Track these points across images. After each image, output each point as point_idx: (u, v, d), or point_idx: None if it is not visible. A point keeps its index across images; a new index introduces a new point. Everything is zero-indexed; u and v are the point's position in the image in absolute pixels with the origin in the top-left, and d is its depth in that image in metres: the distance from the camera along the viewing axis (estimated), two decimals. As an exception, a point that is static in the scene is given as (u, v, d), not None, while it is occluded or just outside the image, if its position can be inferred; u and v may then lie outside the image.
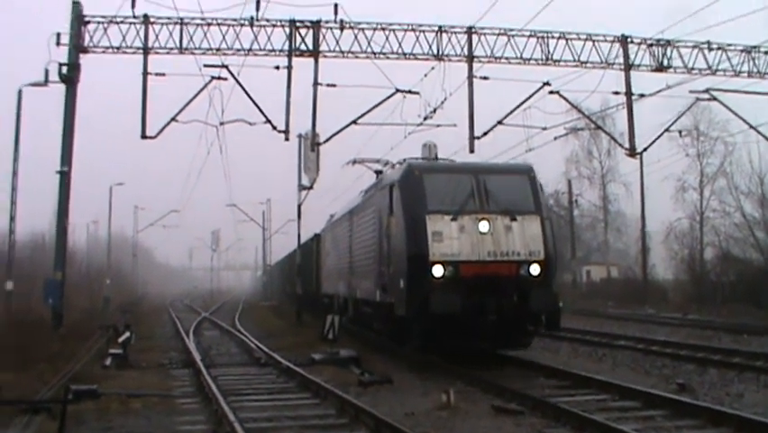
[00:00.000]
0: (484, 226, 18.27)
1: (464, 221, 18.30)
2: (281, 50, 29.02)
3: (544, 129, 31.85)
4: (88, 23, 28.57)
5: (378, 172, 27.13)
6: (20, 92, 32.21)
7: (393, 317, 19.28)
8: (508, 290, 18.07)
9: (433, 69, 29.28)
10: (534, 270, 18.29)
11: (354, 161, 29.19)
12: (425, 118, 29.47)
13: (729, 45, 31.56)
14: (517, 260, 18.26)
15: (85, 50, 28.59)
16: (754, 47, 31.64)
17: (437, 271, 17.84)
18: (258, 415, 13.22)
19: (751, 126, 33.84)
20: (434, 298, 17.35)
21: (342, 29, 29.24)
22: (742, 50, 31.73)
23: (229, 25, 28.74)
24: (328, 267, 34.60)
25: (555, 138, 33.70)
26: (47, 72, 28.25)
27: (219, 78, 28.32)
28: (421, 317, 17.68)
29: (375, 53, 29.37)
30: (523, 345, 19.53)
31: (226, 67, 28.31)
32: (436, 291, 17.54)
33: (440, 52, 29.77)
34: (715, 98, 32.80)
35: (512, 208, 18.69)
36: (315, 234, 40.24)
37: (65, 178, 28.20)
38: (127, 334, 23.07)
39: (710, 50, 31.29)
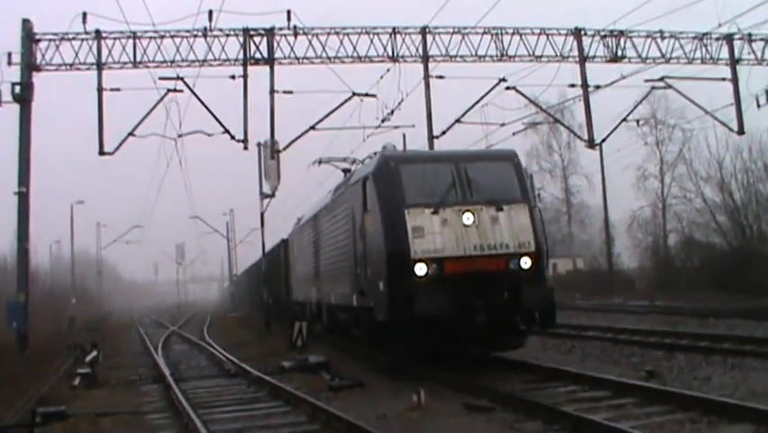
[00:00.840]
0: (468, 219, 16.86)
1: (446, 214, 16.87)
2: (236, 60, 29.01)
3: (503, 125, 32.12)
4: (39, 40, 28.40)
5: (345, 171, 25.86)
6: (-27, 113, 31.80)
7: (373, 322, 17.82)
8: (498, 286, 16.76)
9: (388, 70, 29.45)
10: (525, 263, 16.95)
11: (320, 161, 27.88)
12: (383, 120, 29.61)
13: (681, 33, 31.94)
14: (506, 253, 16.89)
15: (37, 69, 28.41)
16: (706, 34, 32.04)
17: (420, 269, 16.44)
18: (229, 426, 13.14)
19: (707, 112, 34.21)
20: (418, 300, 15.94)
21: (296, 35, 29.29)
22: (694, 38, 32.13)
23: (182, 37, 28.67)
24: (298, 273, 32.68)
25: (514, 133, 33.94)
26: (-1, 92, 27.97)
27: (175, 90, 28.27)
28: (404, 321, 16.25)
29: (330, 58, 29.46)
30: (515, 346, 18.17)
31: (182, 79, 28.28)
32: (420, 292, 16.10)
33: (395, 54, 29.92)
34: (670, 86, 33.10)
35: (497, 198, 17.27)
36: (283, 240, 39.19)
37: (23, 199, 27.97)
38: (94, 352, 22.89)
39: (663, 38, 31.70)
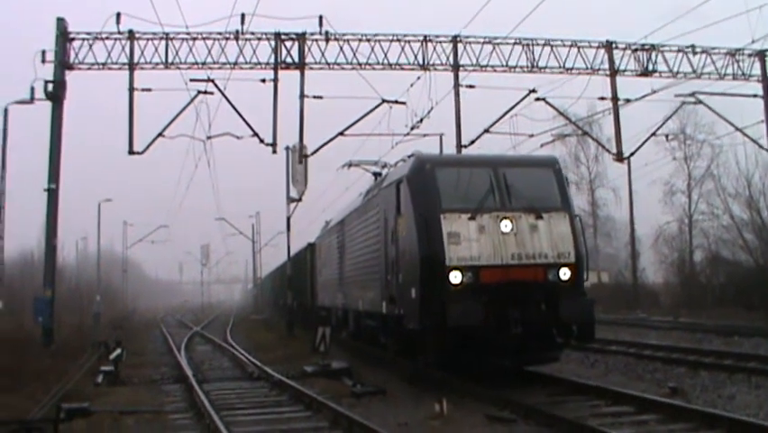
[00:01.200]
0: (506, 226, 16.23)
1: (484, 220, 16.22)
2: (267, 63, 29.15)
3: (531, 136, 32.05)
4: (73, 39, 28.65)
5: (376, 175, 25.42)
6: (6, 110, 32.23)
7: (403, 331, 17.35)
8: (535, 297, 16.06)
9: (419, 78, 29.49)
10: (564, 274, 16.28)
11: (350, 164, 27.45)
12: (412, 128, 29.66)
13: (713, 49, 31.82)
14: (545, 263, 16.24)
15: (70, 67, 28.65)
16: (738, 50, 31.88)
17: (455, 277, 15.78)
18: (251, 429, 13.19)
19: (737, 128, 33.99)
20: (452, 309, 15.23)
21: (327, 41, 29.40)
22: (726, 53, 31.99)
23: (214, 39, 28.86)
24: (324, 277, 31.82)
25: (542, 145, 33.78)
26: (33, 90, 28.31)
27: (205, 92, 28.44)
28: (436, 330, 15.59)
29: (361, 64, 29.54)
30: (550, 360, 17.39)
31: (212, 81, 28.43)
32: (454, 301, 15.40)
33: (425, 62, 29.96)
34: (700, 101, 32.95)
35: (537, 205, 16.63)
36: (309, 244, 38.79)
37: (53, 195, 28.19)
38: (118, 350, 22.98)
39: (695, 53, 31.58)
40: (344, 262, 25.58)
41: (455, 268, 15.84)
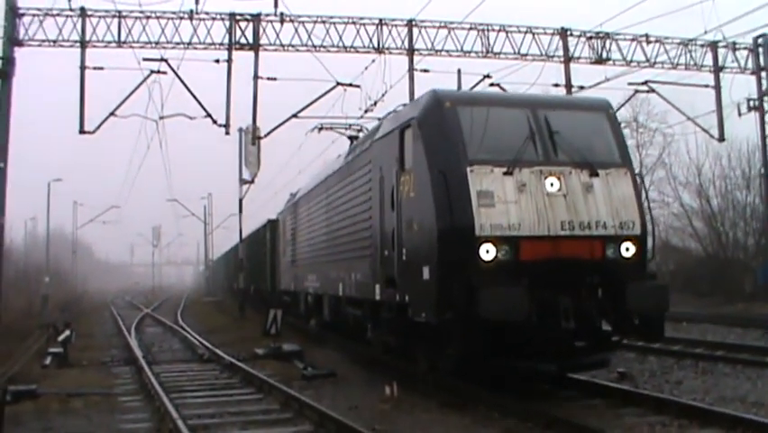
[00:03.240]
0: (553, 184, 12.62)
1: (524, 176, 12.55)
2: (221, 44, 28.96)
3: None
4: (23, 15, 28.23)
5: (352, 138, 22.45)
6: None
7: (406, 323, 13.68)
8: (591, 280, 12.58)
9: (373, 62, 29.42)
10: (627, 250, 12.71)
11: (321, 127, 24.83)
12: (366, 111, 29.53)
13: (666, 38, 32.10)
14: (603, 235, 12.60)
15: (20, 44, 28.22)
16: (691, 40, 32.22)
17: (487, 252, 12.08)
18: (201, 411, 13.09)
19: (688, 118, 34.37)
20: (485, 295, 11.54)
21: (282, 22, 29.26)
22: (679, 43, 32.30)
23: (168, 18, 28.59)
24: (290, 258, 27.51)
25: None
26: (-19, 66, 27.76)
27: (158, 71, 28.14)
28: (461, 325, 11.90)
29: (315, 47, 29.47)
30: (599, 365, 13.69)
31: (166, 60, 28.15)
32: (486, 285, 11.68)
33: (381, 45, 29.94)
34: (653, 90, 33.22)
35: (590, 159, 13.04)
36: (269, 221, 35.29)
37: (1, 174, 27.78)
38: (67, 332, 22.75)
39: (648, 42, 31.85)
40: (318, 237, 21.82)
41: (488, 240, 12.12)
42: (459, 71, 30.35)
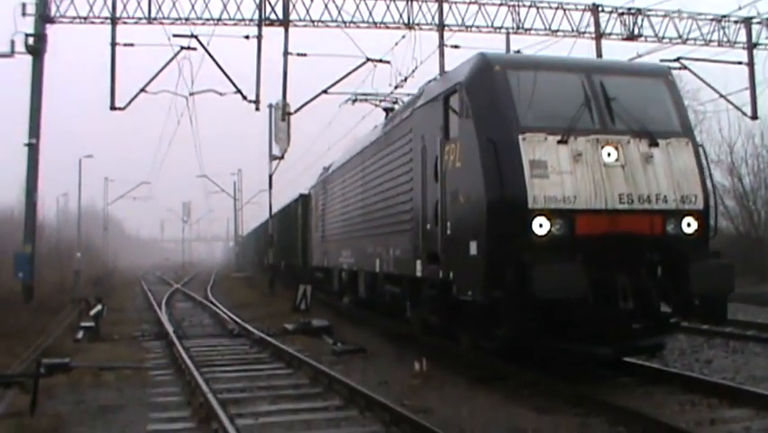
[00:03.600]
0: (610, 154, 12.01)
1: (579, 145, 11.95)
2: (251, 20, 28.84)
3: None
4: (54, -8, 28.23)
5: (387, 110, 21.99)
6: (-15, 63, 31.78)
7: (450, 302, 13.13)
8: (650, 258, 11.98)
9: (403, 37, 29.22)
10: (689, 226, 12.11)
11: (355, 98, 24.65)
12: (396, 87, 29.39)
13: (699, 14, 31.73)
14: (664, 209, 12.02)
15: (51, 21, 28.27)
16: (724, 16, 31.81)
17: (540, 226, 11.55)
18: (231, 385, 13.21)
19: (721, 95, 33.92)
20: (539, 273, 10.92)
21: (312, -3, 29.10)
22: (712, 20, 31.91)
23: (198, -6, 28.50)
24: (323, 233, 26.95)
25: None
26: (13, 43, 27.86)
27: (188, 48, 28.11)
28: (512, 305, 11.29)
29: (345, 22, 29.30)
30: (655, 349, 13.23)
31: (196, 37, 28.10)
32: (541, 261, 11.05)
33: (411, 21, 29.74)
34: (685, 67, 32.80)
35: (650, 128, 12.38)
36: (301, 195, 34.64)
37: (33, 150, 27.96)
38: (99, 307, 22.96)
39: (681, 18, 31.46)
40: (354, 211, 21.20)
41: (541, 213, 11.57)
42: (507, 35, 30.14)
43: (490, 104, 12.36)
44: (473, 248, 12.05)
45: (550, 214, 11.57)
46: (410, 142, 15.50)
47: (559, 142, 11.90)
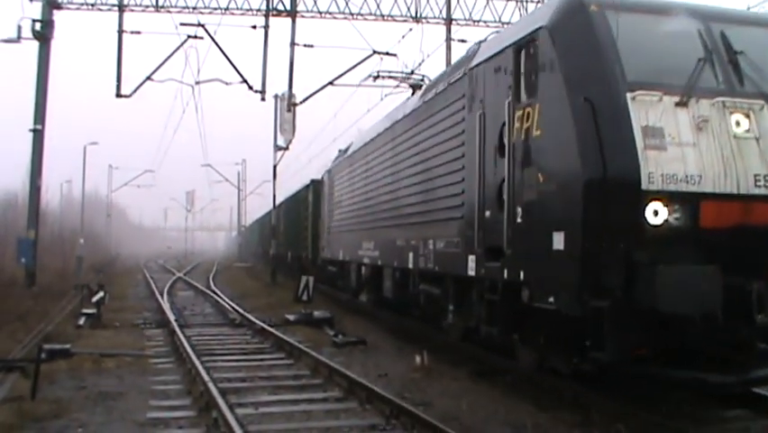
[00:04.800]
0: (740, 124, 9.30)
1: (702, 109, 9.27)
2: (258, 10, 28.92)
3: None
4: (62, -22, 28.26)
5: (415, 87, 20.09)
6: (-8, 48, 31.83)
7: (517, 308, 10.86)
8: None
9: (410, 30, 29.25)
10: None
11: (378, 75, 22.91)
12: (396, 86, 29.44)
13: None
14: None
15: (58, 7, 28.33)
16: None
17: (656, 214, 8.87)
18: (232, 375, 13.20)
19: None
20: (664, 278, 8.39)
21: (319, -12, 29.13)
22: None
23: (205, -17, 28.54)
24: (338, 222, 24.37)
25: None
26: (20, 28, 27.92)
27: (195, 36, 28.17)
28: (621, 318, 8.73)
29: (353, 14, 29.35)
30: None
31: (203, 26, 28.19)
32: (662, 262, 8.50)
33: (418, 14, 29.79)
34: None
35: None
36: (312, 181, 32.35)
37: (38, 136, 28.02)
38: (101, 294, 22.98)
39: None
40: (380, 197, 18.50)
41: (657, 196, 8.88)
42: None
43: (587, 52, 9.60)
44: (559, 241, 9.38)
45: (668, 198, 8.88)
46: (462, 109, 12.82)
47: (677, 104, 9.23)
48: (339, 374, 12.56)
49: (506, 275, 10.88)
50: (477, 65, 12.34)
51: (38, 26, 27.72)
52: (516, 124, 10.63)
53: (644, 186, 8.81)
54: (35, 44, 28.02)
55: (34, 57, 28.17)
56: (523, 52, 10.72)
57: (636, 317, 8.67)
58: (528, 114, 10.37)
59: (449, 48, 30.00)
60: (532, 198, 10.15)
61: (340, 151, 26.48)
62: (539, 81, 10.21)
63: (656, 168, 8.86)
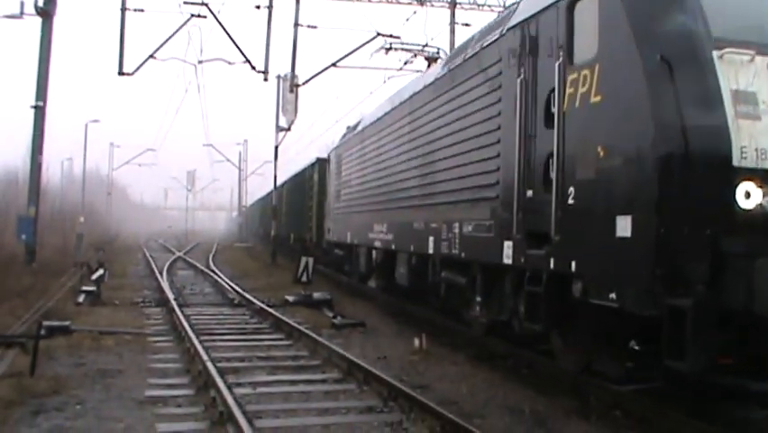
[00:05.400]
0: None
1: None
2: (262, -11, 28.80)
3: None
4: (66, -46, 28.16)
5: (430, 60, 19.38)
6: (-6, 24, 31.73)
7: (566, 303, 9.58)
8: None
9: (415, 13, 29.19)
10: None
11: (389, 47, 22.21)
12: (406, 63, 29.37)
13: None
14: None
15: (62, -17, 28.19)
16: None
17: (747, 196, 7.56)
18: (231, 355, 13.22)
19: None
20: (761, 273, 7.17)
21: (324, -31, 29.05)
22: None
23: (210, -38, 28.44)
24: (346, 202, 23.06)
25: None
26: (22, 4, 27.82)
27: (199, 15, 28.10)
28: (707, 321, 7.30)
29: (357, -5, 29.25)
30: None
31: (206, 5, 28.11)
32: (757, 253, 7.30)
33: (423, -3, 29.68)
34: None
35: None
36: (318, 159, 31.17)
37: (40, 113, 27.93)
38: (100, 271, 23.01)
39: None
40: (395, 175, 17.20)
41: (750, 175, 7.55)
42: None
43: (662, 3, 8.26)
44: (625, 227, 8.07)
45: (761, 178, 7.53)
46: (498, 75, 11.35)
47: None
48: (338, 356, 12.58)
49: (552, 265, 9.48)
50: (517, 24, 10.84)
51: (41, 2, 27.62)
52: (569, 90, 9.23)
53: (735, 162, 7.49)
54: (38, 20, 27.94)
55: (37, 33, 28.13)
56: (579, 5, 9.31)
57: (723, 318, 7.30)
58: (585, 77, 8.95)
59: (452, 31, 29.94)
60: (588, 176, 8.75)
61: (348, 127, 25.31)
62: (600, 39, 8.80)
63: (749, 141, 7.52)
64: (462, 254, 12.73)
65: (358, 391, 10.75)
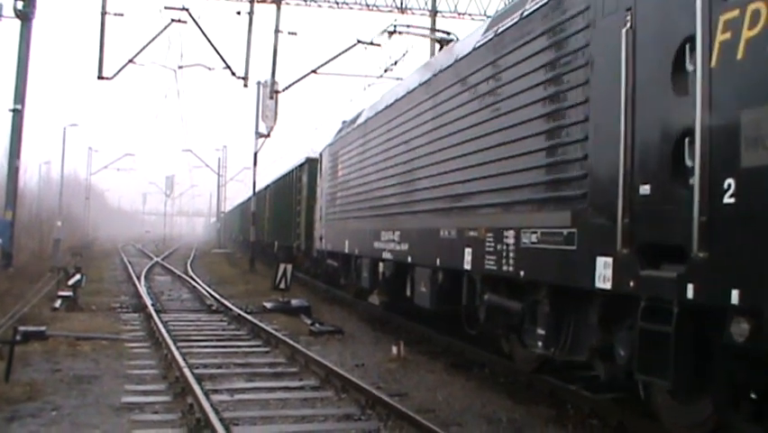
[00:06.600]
0: None
1: None
2: (243, -4, 28.81)
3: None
4: (45, -43, 28.09)
5: (442, 42, 16.79)
6: (-28, 26, 31.56)
7: (710, 348, 6.83)
8: None
9: (395, 21, 29.24)
10: None
11: (394, 31, 19.71)
12: (386, 70, 29.43)
13: None
14: None
15: (41, -14, 28.09)
16: None
17: None
18: (208, 361, 13.17)
19: None
20: None
21: (305, -24, 29.07)
22: None
23: (191, -33, 28.42)
24: (344, 206, 20.16)
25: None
26: (0, 6, 27.74)
27: (179, 21, 28.06)
28: None
29: (338, 3, 29.35)
30: None
31: (187, 10, 28.07)
32: None
33: (403, 5, 29.78)
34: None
35: None
36: (307, 159, 28.38)
37: (18, 116, 27.82)
38: (77, 276, 22.84)
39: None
40: (411, 172, 14.28)
41: None
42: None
43: None
44: None
45: None
46: (585, 29, 8.36)
47: None
48: (315, 363, 12.56)
49: (691, 293, 6.49)
50: None
51: (20, 5, 27.53)
52: (722, 37, 6.27)
53: None
54: (17, 23, 27.84)
55: (15, 36, 28.02)
56: None
57: None
58: (752, 16, 5.98)
59: (433, 40, 30.04)
60: (763, 161, 5.80)
61: (344, 122, 22.57)
62: None
63: None
64: (521, 273, 9.68)
65: (336, 399, 10.73)
